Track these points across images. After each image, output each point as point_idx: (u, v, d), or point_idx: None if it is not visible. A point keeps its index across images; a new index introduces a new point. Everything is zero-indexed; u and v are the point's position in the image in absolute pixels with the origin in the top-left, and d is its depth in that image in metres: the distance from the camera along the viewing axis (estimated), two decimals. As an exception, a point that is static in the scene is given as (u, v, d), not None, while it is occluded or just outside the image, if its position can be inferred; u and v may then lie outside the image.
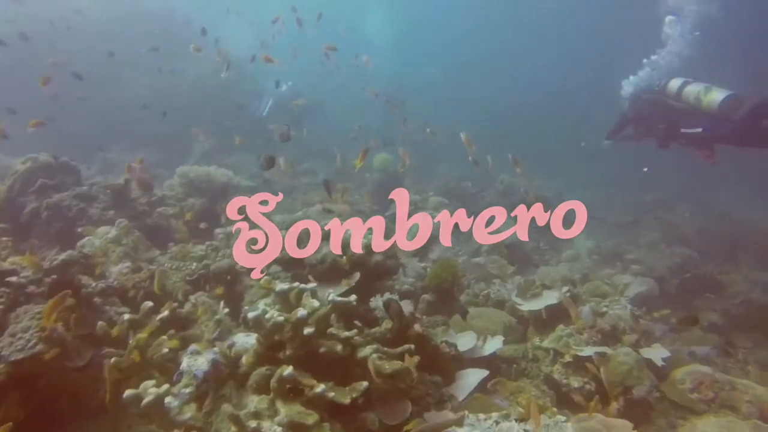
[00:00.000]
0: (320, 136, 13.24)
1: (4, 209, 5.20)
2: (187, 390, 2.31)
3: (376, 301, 3.32)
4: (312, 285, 3.11)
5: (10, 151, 7.52)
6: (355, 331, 2.79)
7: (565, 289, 4.70)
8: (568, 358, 3.97)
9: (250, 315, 2.58)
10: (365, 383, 2.56)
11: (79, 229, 4.43)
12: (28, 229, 4.97)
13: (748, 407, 3.57)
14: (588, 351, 3.93)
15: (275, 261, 3.84)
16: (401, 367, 2.75)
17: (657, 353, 4.10)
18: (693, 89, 4.91)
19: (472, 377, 3.38)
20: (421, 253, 6.79)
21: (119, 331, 2.72)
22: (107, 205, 5.20)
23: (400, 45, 25.99)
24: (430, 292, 4.82)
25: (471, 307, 4.79)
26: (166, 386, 2.23)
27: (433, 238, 6.87)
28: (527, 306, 4.73)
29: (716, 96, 4.66)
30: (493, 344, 3.88)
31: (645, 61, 6.25)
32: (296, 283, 3.00)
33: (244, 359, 2.76)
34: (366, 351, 2.71)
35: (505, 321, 4.33)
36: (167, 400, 2.22)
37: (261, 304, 3.09)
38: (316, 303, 2.71)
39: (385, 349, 2.99)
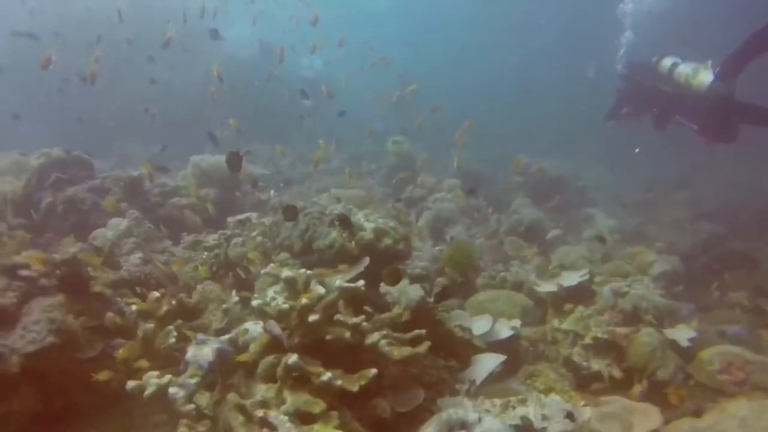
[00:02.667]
0: (333, 122, 13.13)
1: (21, 204, 5.28)
2: (193, 380, 2.29)
3: (386, 286, 3.24)
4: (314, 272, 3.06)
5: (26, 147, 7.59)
6: (362, 317, 2.71)
7: (584, 271, 4.53)
8: (588, 340, 3.85)
9: (255, 303, 2.53)
10: (374, 370, 2.49)
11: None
12: (45, 224, 5.04)
13: (783, 388, 3.40)
14: (609, 332, 3.80)
15: (283, 248, 3.80)
16: (411, 353, 2.68)
17: (682, 333, 3.93)
18: (682, 70, 4.82)
19: (487, 362, 3.29)
20: (435, 236, 6.69)
21: (127, 322, 2.70)
22: (120, 197, 5.23)
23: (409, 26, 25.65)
24: (444, 276, 4.73)
25: (488, 290, 4.68)
26: (168, 377, 2.20)
27: (448, 221, 6.78)
28: (545, 287, 4.59)
29: (704, 78, 4.58)
30: (510, 328, 3.78)
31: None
32: (303, 270, 2.94)
33: (251, 348, 2.73)
34: (374, 337, 2.64)
35: (523, 303, 4.22)
36: (172, 390, 2.19)
37: (270, 292, 3.05)
38: (321, 290, 2.64)
39: (396, 334, 2.92)
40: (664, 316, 4.16)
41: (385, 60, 9.43)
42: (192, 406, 2.19)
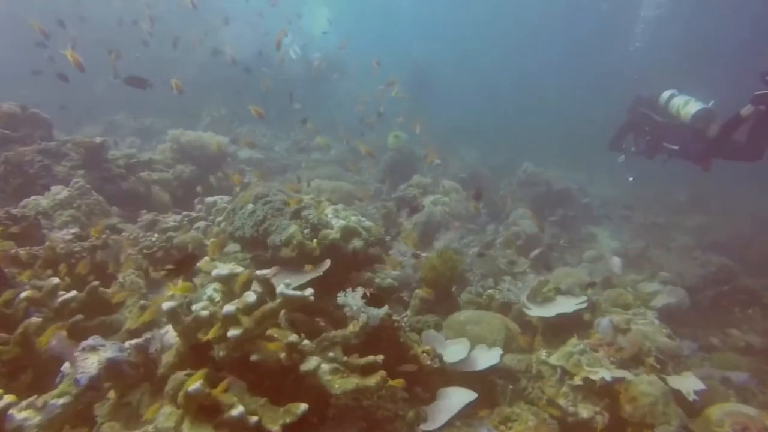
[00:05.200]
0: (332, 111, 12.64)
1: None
2: (60, 401, 1.76)
3: (345, 298, 2.71)
4: (265, 272, 2.53)
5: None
6: (300, 336, 2.18)
7: (582, 299, 3.99)
8: (578, 381, 3.31)
9: (165, 306, 2.00)
10: (303, 406, 1.96)
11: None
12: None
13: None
14: (603, 374, 3.26)
15: (234, 239, 3.26)
16: (356, 386, 2.15)
17: (688, 383, 3.39)
18: (676, 102, 5.01)
19: (455, 398, 2.76)
20: (424, 241, 6.15)
21: (15, 312, 2.18)
22: (77, 164, 4.70)
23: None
24: (424, 287, 4.20)
25: (471, 309, 4.15)
26: (8, 399, 1.67)
27: (440, 225, 6.22)
28: (537, 312, 4.05)
29: (691, 109, 4.78)
30: (489, 358, 3.24)
31: None
32: (240, 268, 2.41)
33: (164, 359, 2.21)
34: (311, 363, 2.10)
35: (508, 329, 3.67)
36: (21, 416, 1.67)
37: (209, 290, 2.53)
38: (252, 297, 2.11)
39: (346, 359, 2.40)
40: (668, 360, 3.62)
41: (392, 83, 9.07)
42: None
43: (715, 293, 6.79)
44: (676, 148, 5.16)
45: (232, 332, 1.98)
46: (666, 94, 5.22)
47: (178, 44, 9.13)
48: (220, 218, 4.44)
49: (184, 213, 4.86)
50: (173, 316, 2.01)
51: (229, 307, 1.99)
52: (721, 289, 6.87)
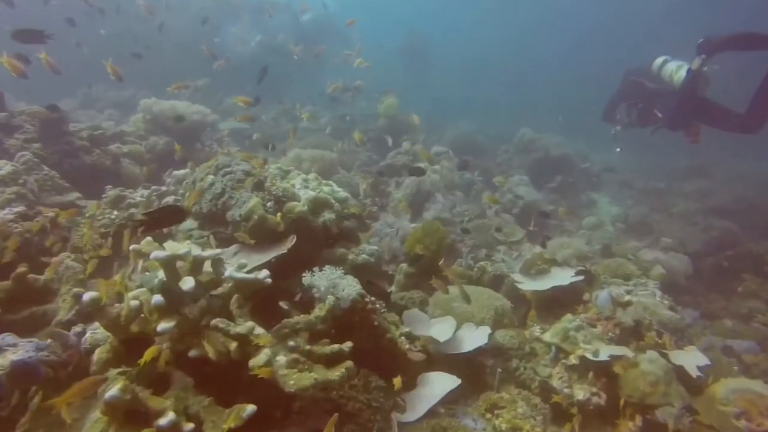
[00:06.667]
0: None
1: None
2: (-50, 414, 1.49)
3: (312, 278, 2.41)
4: (217, 251, 2.22)
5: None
6: (249, 325, 1.89)
7: (578, 270, 3.71)
8: (573, 360, 3.06)
9: (85, 297, 1.70)
10: (250, 408, 1.69)
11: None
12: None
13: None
14: (601, 352, 3.01)
15: (192, 215, 2.94)
16: (315, 382, 1.87)
17: (691, 359, 3.13)
18: (669, 67, 4.82)
19: (437, 386, 2.50)
20: (413, 211, 5.82)
21: None
22: (32, 137, 4.33)
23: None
24: (409, 262, 3.91)
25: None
26: None
27: (429, 194, 5.89)
28: (530, 285, 3.78)
29: (683, 73, 4.55)
30: (476, 338, 2.97)
31: None
32: (185, 249, 2.10)
33: (96, 355, 1.93)
34: (260, 359, 1.82)
35: (498, 306, 3.39)
36: None
37: (160, 275, 2.22)
38: (191, 282, 1.81)
39: (308, 347, 2.12)
40: (670, 334, 3.36)
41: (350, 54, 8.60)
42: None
43: (718, 259, 6.55)
44: (660, 115, 5.02)
45: (163, 326, 1.69)
46: (659, 60, 5.05)
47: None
48: (189, 193, 4.10)
49: (153, 187, 4.52)
50: (95, 307, 1.71)
51: (158, 297, 1.69)
52: (724, 254, 6.62)
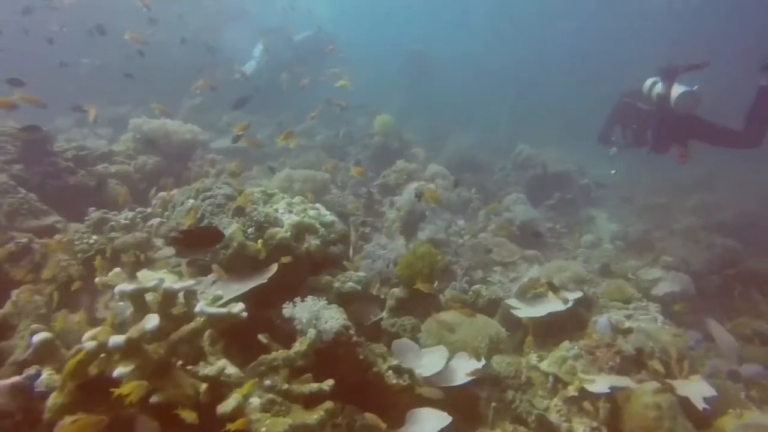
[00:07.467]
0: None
1: None
2: None
3: (293, 309, 2.27)
4: (190, 283, 2.09)
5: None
6: (221, 364, 1.74)
7: (576, 295, 3.57)
8: (572, 391, 2.90)
9: (35, 339, 1.56)
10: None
11: None
12: None
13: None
14: (600, 384, 2.85)
15: (169, 240, 2.82)
16: (292, 426, 1.72)
17: (697, 389, 2.97)
18: (656, 90, 4.85)
19: (427, 424, 2.34)
20: (408, 231, 5.69)
21: None
22: (13, 158, 4.23)
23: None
24: (401, 286, 3.77)
25: (453, 310, 3.70)
26: None
27: (424, 214, 5.77)
28: (526, 311, 3.64)
29: (674, 93, 4.61)
30: (469, 369, 2.81)
31: None
32: (156, 280, 1.97)
33: (50, 400, 1.78)
34: (228, 405, 1.67)
35: (492, 334, 3.24)
36: None
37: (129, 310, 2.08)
38: (153, 322, 1.67)
39: (286, 386, 1.97)
40: (673, 362, 3.20)
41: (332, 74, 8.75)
42: None
43: (721, 278, 6.40)
44: (649, 133, 5.09)
45: (120, 370, 1.55)
46: (649, 81, 5.10)
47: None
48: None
49: (138, 209, 4.40)
50: (47, 347, 1.57)
51: (115, 339, 1.55)
52: (726, 273, 6.48)
